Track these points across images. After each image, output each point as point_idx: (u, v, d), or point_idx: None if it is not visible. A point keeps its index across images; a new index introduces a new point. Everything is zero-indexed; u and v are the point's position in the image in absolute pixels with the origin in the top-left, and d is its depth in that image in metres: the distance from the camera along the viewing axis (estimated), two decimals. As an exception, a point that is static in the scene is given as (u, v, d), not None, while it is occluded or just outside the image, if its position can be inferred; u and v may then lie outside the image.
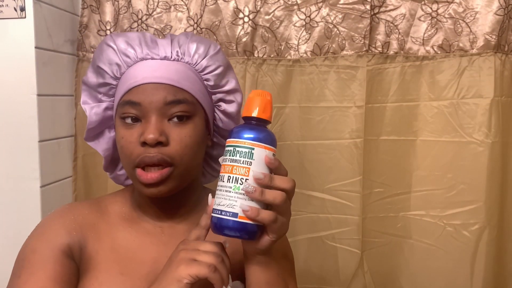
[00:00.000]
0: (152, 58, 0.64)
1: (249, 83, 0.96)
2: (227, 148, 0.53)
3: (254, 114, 0.54)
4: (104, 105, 0.67)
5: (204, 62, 0.65)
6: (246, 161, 0.52)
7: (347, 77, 0.94)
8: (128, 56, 0.64)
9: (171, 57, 0.64)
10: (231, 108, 0.69)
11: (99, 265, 0.62)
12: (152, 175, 0.59)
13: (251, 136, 0.52)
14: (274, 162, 0.52)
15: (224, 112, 0.69)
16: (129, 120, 0.62)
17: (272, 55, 0.96)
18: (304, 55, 0.95)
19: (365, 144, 0.94)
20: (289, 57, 0.96)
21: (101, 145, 0.70)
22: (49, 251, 0.60)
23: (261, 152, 0.52)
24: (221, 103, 0.69)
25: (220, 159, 0.54)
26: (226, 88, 0.68)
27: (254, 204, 0.51)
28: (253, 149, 0.52)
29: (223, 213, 0.51)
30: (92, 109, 0.67)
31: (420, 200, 0.96)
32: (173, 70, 0.63)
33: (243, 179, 0.51)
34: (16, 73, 0.90)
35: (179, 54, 0.65)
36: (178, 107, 0.61)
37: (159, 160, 0.59)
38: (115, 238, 0.65)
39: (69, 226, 0.63)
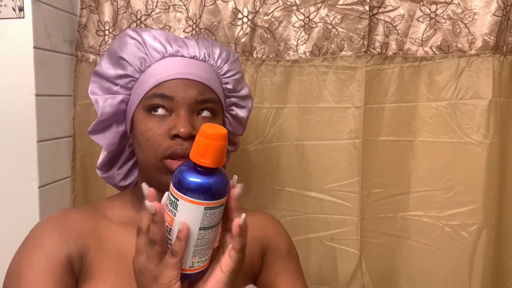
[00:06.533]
0: (182, 56, 0.65)
1: (248, 83, 0.96)
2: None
3: (192, 157, 0.45)
4: (120, 97, 0.66)
5: (226, 67, 0.68)
6: (172, 210, 0.46)
7: (346, 78, 0.94)
8: (156, 51, 0.64)
9: (199, 57, 0.66)
10: (242, 113, 0.72)
11: (106, 269, 0.60)
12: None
13: (179, 184, 0.45)
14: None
15: (235, 117, 0.72)
16: (159, 113, 0.61)
17: (271, 56, 0.96)
18: (303, 55, 0.96)
19: (364, 145, 0.94)
20: (288, 58, 0.96)
21: (107, 139, 0.68)
22: (49, 268, 0.57)
23: (188, 207, 0.45)
24: (234, 108, 0.71)
25: None
26: (241, 93, 0.71)
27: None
28: (177, 200, 0.45)
29: None
30: (106, 100, 0.65)
31: (418, 201, 0.96)
32: (203, 69, 0.65)
33: (168, 227, 0.46)
34: (15, 73, 0.89)
35: (206, 55, 0.67)
36: (206, 105, 0.63)
37: None
38: (120, 243, 0.63)
39: (66, 235, 0.61)
